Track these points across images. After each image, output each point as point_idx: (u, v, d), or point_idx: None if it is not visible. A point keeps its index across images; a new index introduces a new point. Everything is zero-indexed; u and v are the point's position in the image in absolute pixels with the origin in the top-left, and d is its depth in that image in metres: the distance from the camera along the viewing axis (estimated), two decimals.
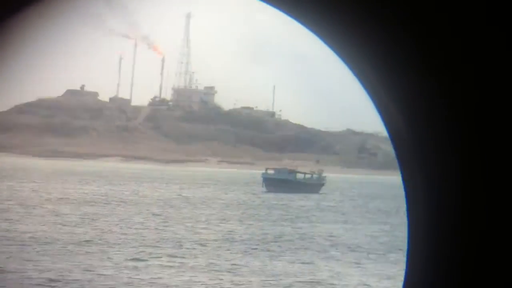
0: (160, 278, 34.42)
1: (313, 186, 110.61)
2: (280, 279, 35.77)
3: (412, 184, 5.95)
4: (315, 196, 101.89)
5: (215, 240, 48.95)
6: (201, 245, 46.40)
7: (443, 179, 5.41)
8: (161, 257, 40.13)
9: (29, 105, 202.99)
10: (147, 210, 68.58)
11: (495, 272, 5.16)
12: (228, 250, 44.75)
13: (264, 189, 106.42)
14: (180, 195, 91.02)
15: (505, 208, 5.04)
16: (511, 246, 5.07)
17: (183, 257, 40.69)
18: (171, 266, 37.63)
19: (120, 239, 47.08)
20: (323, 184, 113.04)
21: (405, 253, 6.00)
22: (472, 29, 4.80)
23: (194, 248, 44.69)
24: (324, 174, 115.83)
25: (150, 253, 41.30)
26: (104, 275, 34.11)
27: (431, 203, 5.58)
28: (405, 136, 5.72)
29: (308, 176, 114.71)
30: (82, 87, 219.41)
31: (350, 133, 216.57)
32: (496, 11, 4.72)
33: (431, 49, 4.98)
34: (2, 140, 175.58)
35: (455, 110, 5.08)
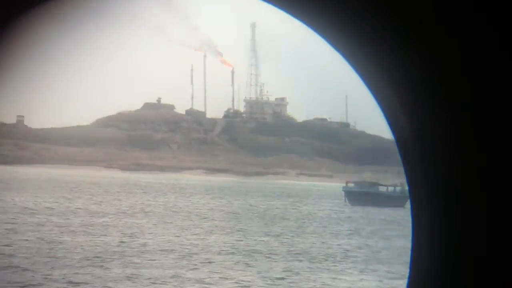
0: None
1: (397, 199, 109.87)
2: None
3: (417, 187, 6.07)
4: (400, 211, 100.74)
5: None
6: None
7: (447, 181, 5.44)
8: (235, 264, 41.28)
9: (110, 118, 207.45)
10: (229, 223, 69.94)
11: (499, 271, 5.16)
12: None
13: (347, 203, 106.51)
14: (268, 208, 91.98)
15: (507, 207, 5.05)
16: None
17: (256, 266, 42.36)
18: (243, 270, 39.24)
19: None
20: (408, 197, 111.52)
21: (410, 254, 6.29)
22: (473, 28, 4.82)
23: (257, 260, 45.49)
24: (406, 187, 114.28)
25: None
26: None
27: (435, 204, 5.67)
28: (410, 139, 5.82)
29: (391, 189, 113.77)
30: (159, 100, 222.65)
31: None
32: (496, 11, 4.72)
33: (434, 50, 5.02)
34: (89, 154, 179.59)
35: (457, 110, 5.14)
